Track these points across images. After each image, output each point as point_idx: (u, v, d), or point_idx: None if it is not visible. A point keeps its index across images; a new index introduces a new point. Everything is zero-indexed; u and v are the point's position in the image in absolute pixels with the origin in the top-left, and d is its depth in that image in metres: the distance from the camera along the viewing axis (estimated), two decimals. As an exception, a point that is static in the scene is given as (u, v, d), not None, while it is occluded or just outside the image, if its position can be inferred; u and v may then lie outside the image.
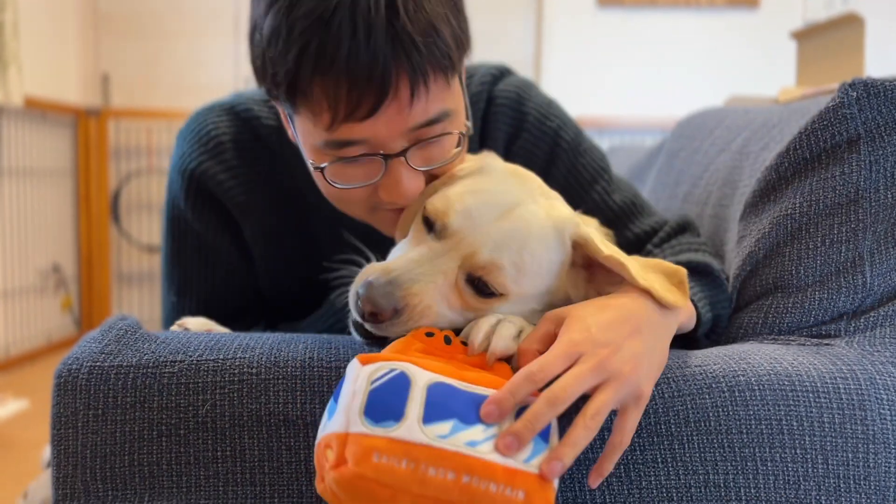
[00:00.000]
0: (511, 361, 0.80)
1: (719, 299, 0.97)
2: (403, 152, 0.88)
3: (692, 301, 0.91)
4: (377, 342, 0.83)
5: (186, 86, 4.51)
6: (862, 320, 0.88)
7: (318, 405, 0.79)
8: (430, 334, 0.79)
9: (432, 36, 0.84)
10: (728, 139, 1.24)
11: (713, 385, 0.80)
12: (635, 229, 1.11)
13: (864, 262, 0.89)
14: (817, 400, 0.79)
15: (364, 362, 0.71)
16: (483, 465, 0.65)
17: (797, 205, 0.93)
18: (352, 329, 0.86)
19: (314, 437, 0.78)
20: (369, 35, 0.81)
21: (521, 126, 1.14)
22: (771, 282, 0.94)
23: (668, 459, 0.78)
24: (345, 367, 0.80)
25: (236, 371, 0.80)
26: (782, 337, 0.91)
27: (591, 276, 0.90)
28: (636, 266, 0.84)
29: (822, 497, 0.77)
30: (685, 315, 0.88)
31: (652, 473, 0.77)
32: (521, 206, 0.86)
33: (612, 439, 0.72)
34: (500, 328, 0.80)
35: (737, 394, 0.79)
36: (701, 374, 0.81)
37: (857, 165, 0.90)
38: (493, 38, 4.38)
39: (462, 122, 0.94)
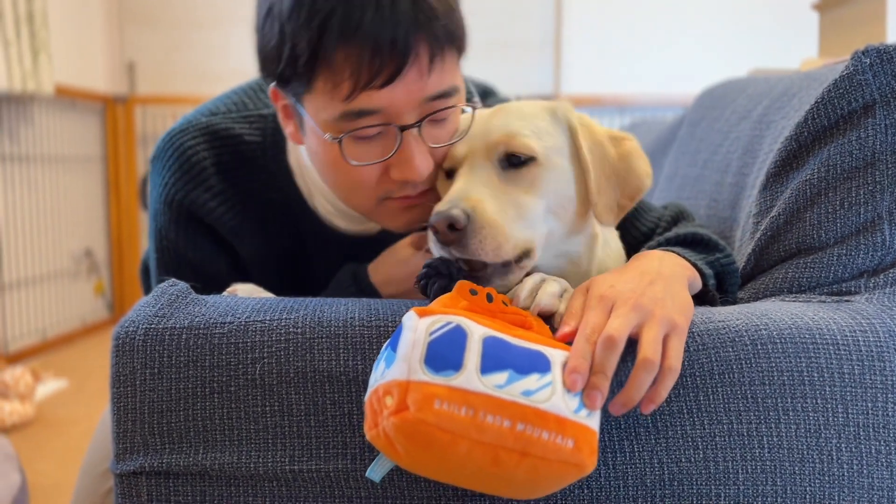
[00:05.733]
0: (552, 321, 0.84)
1: (716, 256, 1.01)
2: (417, 124, 0.93)
3: (689, 261, 0.96)
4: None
5: (209, 72, 4.57)
6: (881, 277, 0.91)
7: (360, 362, 0.83)
8: (473, 292, 0.83)
9: (450, 12, 0.91)
10: (749, 108, 1.26)
11: (736, 339, 0.83)
12: (642, 227, 1.16)
13: (884, 221, 0.91)
14: (837, 352, 0.82)
15: (421, 315, 0.74)
16: (537, 414, 0.69)
17: (816, 170, 0.96)
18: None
19: (357, 393, 0.82)
20: (393, 3, 0.86)
21: None
22: (794, 245, 0.97)
23: (694, 410, 0.81)
24: (384, 327, 0.85)
25: (283, 331, 0.84)
26: (803, 295, 0.94)
27: None
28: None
29: (843, 444, 0.81)
30: (691, 272, 0.93)
31: (678, 424, 0.81)
32: (507, 104, 0.99)
33: (664, 364, 0.76)
34: (545, 286, 0.86)
35: (759, 347, 0.83)
36: (724, 328, 0.84)
37: (874, 130, 0.92)
38: (511, 18, 4.38)
39: (464, 100, 0.99)
